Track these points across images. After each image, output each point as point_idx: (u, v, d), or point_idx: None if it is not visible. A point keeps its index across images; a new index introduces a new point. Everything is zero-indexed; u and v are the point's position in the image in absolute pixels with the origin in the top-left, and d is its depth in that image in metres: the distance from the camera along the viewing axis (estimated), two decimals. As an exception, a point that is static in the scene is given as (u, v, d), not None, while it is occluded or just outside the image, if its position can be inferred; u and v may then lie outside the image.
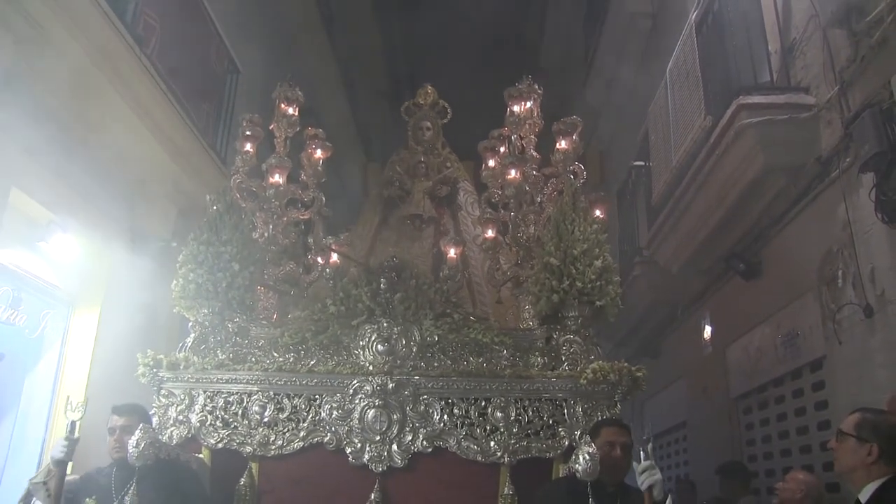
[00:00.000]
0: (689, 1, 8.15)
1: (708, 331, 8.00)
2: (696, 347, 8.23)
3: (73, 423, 3.54)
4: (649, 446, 3.53)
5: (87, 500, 3.62)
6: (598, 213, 4.93)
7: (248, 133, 5.46)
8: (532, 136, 5.60)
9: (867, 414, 3.08)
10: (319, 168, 5.74)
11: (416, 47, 17.05)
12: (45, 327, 5.65)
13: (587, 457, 3.47)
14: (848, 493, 3.56)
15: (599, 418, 4.16)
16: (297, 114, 5.71)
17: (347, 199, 12.94)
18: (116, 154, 6.00)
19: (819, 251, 5.51)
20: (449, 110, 6.83)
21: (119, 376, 5.94)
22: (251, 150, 5.45)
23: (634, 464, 3.51)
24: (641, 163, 9.15)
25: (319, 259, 5.49)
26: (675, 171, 7.19)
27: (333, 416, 4.30)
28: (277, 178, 5.34)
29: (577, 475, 3.48)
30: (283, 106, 5.66)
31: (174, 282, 4.56)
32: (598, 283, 4.41)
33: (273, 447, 4.24)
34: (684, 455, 9.14)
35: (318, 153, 5.76)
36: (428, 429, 4.26)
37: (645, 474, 3.41)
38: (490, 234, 5.44)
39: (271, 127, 5.64)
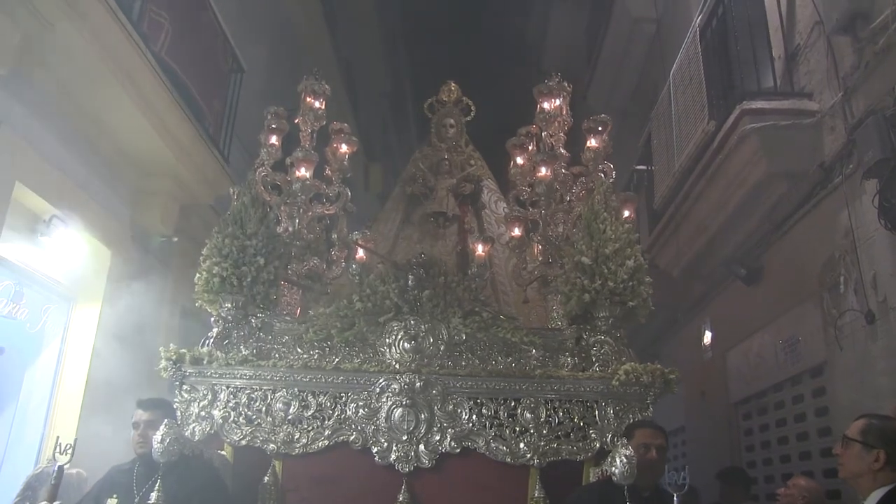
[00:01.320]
0: (694, 6, 8.17)
1: (708, 336, 8.00)
2: (695, 352, 8.23)
3: (60, 468, 3.47)
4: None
5: (109, 500, 3.59)
6: (626, 212, 4.90)
7: (273, 126, 5.39)
8: (561, 134, 5.57)
9: (873, 420, 3.08)
10: (345, 163, 5.71)
11: (416, 50, 17.07)
12: (45, 322, 5.63)
13: (624, 459, 3.37)
14: (849, 500, 3.56)
15: (631, 420, 4.11)
16: (323, 107, 5.65)
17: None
18: (119, 150, 6.00)
19: (821, 257, 5.52)
20: (472, 108, 6.82)
21: (119, 371, 5.97)
22: (276, 143, 5.40)
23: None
24: (643, 167, 9.16)
25: (342, 255, 5.45)
26: (678, 176, 7.20)
27: (359, 414, 4.25)
28: (304, 172, 5.27)
29: (614, 479, 3.38)
30: (309, 99, 5.61)
31: (197, 275, 4.51)
32: (631, 283, 4.35)
33: (297, 445, 4.19)
34: (683, 460, 9.13)
35: (344, 148, 5.73)
36: (456, 429, 4.21)
37: None
38: (517, 232, 5.39)
39: (297, 121, 5.60)
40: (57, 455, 3.52)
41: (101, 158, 5.90)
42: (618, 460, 3.38)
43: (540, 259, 5.27)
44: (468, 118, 6.87)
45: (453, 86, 6.91)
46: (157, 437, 3.50)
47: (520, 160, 5.80)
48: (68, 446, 3.52)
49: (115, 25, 5.03)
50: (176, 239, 6.63)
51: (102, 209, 5.96)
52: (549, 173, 5.20)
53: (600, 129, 5.34)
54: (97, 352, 5.87)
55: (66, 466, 3.53)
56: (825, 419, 5.56)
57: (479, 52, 14.56)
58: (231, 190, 4.97)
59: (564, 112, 5.62)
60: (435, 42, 15.52)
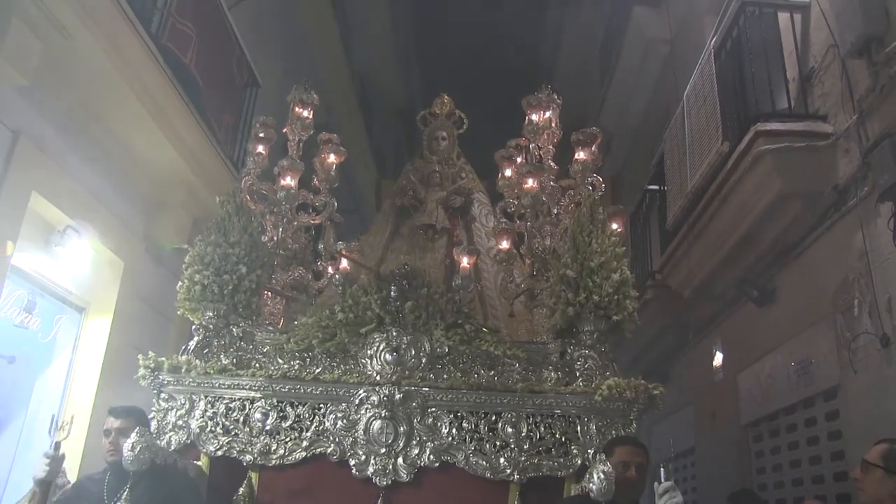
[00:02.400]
0: (708, 27, 8.19)
1: (719, 357, 7.95)
2: (706, 373, 8.18)
3: (57, 444, 3.43)
4: (671, 465, 3.44)
5: None
6: (614, 226, 4.84)
7: (260, 135, 5.41)
8: (550, 147, 5.53)
9: (895, 445, 3.05)
10: (332, 173, 5.68)
11: (431, 70, 17.16)
12: (57, 332, 5.65)
13: (602, 476, 3.30)
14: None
15: (613, 436, 4.04)
16: (311, 117, 5.66)
17: (360, 215, 13.01)
18: (134, 161, 6.04)
19: (834, 279, 5.49)
20: (465, 120, 6.80)
21: (129, 383, 5.97)
22: (263, 152, 5.40)
23: (655, 484, 3.40)
24: (655, 187, 9.16)
25: (329, 265, 5.43)
26: (690, 196, 7.19)
27: (338, 426, 4.19)
28: (289, 181, 5.26)
29: (591, 495, 3.32)
30: (297, 109, 5.62)
31: (179, 283, 4.50)
32: (616, 296, 4.27)
33: (274, 456, 4.14)
34: (692, 482, 9.06)
35: (332, 158, 5.71)
36: (435, 442, 4.14)
37: (666, 496, 3.31)
38: (505, 245, 5.33)
39: (284, 130, 5.60)
40: (53, 431, 3.50)
41: (116, 170, 5.94)
42: (595, 477, 3.32)
43: (526, 272, 5.23)
44: (461, 131, 6.84)
45: (446, 98, 6.88)
46: (128, 444, 3.44)
47: (508, 172, 5.79)
48: (65, 423, 3.50)
49: (134, 38, 5.08)
50: (186, 246, 6.63)
51: (116, 220, 6.00)
52: (535, 185, 5.16)
53: (589, 141, 5.30)
54: (107, 362, 5.88)
55: (62, 442, 3.49)
56: (838, 443, 5.51)
57: (492, 70, 14.61)
58: (217, 199, 4.94)
59: (554, 124, 5.59)
60: (448, 61, 15.59)
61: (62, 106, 5.21)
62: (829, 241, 5.65)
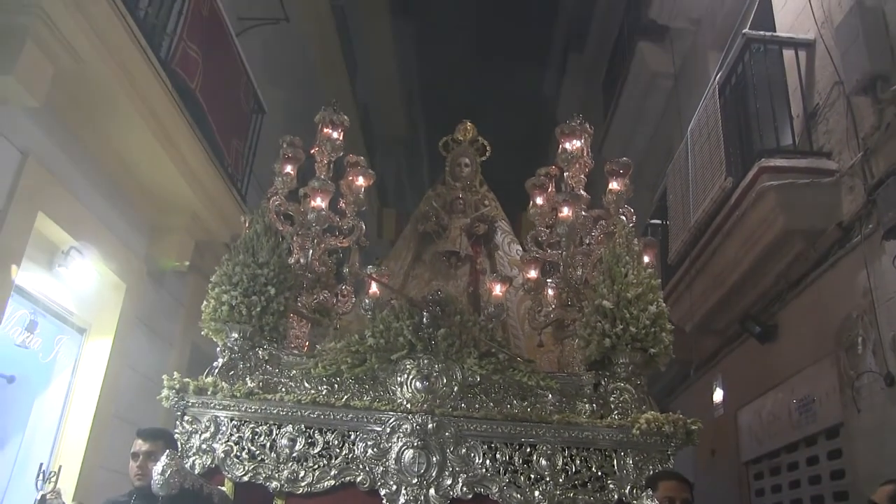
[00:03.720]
0: (712, 63, 8.27)
1: (719, 393, 7.91)
2: (706, 409, 8.13)
3: (43, 497, 3.35)
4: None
5: None
6: (646, 258, 4.80)
7: (289, 155, 5.34)
8: (582, 176, 5.47)
9: None
10: (361, 196, 5.64)
11: (433, 99, 17.29)
12: (58, 352, 5.62)
13: None
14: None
15: (651, 472, 3.99)
16: (341, 138, 5.61)
17: (365, 242, 13.02)
18: (140, 185, 6.05)
19: (838, 317, 5.48)
20: (488, 148, 6.78)
21: (127, 406, 5.95)
22: (292, 172, 5.33)
23: None
24: (658, 221, 9.17)
25: (352, 290, 5.37)
26: (693, 231, 7.20)
27: (368, 454, 4.11)
28: (319, 202, 5.15)
29: None
30: (326, 130, 5.57)
31: (204, 303, 4.42)
32: (653, 329, 4.22)
33: (302, 484, 4.05)
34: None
35: (360, 180, 5.67)
36: (469, 474, 4.06)
37: None
38: (533, 274, 5.27)
39: (313, 151, 5.55)
40: (40, 483, 3.41)
41: (121, 192, 5.96)
42: None
43: (555, 302, 5.16)
44: (483, 158, 6.83)
45: (469, 125, 6.88)
46: (158, 468, 3.34)
47: (539, 200, 5.68)
48: (52, 474, 3.42)
49: (143, 63, 5.12)
50: (188, 263, 6.62)
51: (120, 242, 6.00)
52: (570, 214, 5.10)
53: (622, 171, 5.28)
54: (107, 384, 5.85)
55: (48, 496, 3.40)
56: (841, 482, 5.46)
57: (495, 104, 14.71)
58: (242, 218, 4.91)
59: (585, 154, 5.54)
60: (451, 93, 15.72)
61: (71, 128, 5.23)
62: (832, 279, 5.65)
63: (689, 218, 7.28)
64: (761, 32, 6.60)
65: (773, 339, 6.57)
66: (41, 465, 3.55)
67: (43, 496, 3.37)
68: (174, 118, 5.66)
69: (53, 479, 3.41)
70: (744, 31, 6.70)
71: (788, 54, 6.35)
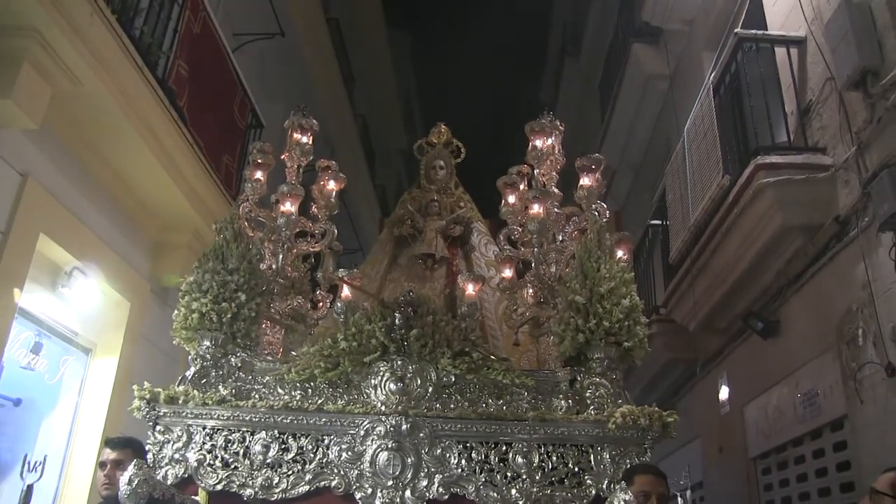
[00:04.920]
0: (706, 63, 8.32)
1: (725, 390, 7.93)
2: (712, 407, 8.15)
3: (29, 487, 3.32)
4: (688, 493, 3.38)
5: None
6: (620, 253, 4.77)
7: (259, 161, 5.28)
8: (553, 174, 5.41)
9: None
10: (333, 200, 5.59)
11: (432, 108, 17.36)
12: (63, 373, 5.66)
13: None
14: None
15: (628, 466, 3.94)
16: (310, 142, 5.54)
17: (364, 253, 13.07)
18: (141, 204, 6.11)
19: (838, 310, 5.50)
20: (462, 149, 6.73)
21: (135, 424, 5.96)
22: (262, 178, 5.27)
23: None
24: (658, 221, 9.20)
25: (327, 295, 5.32)
26: (693, 230, 7.23)
27: (343, 458, 4.05)
28: (289, 207, 5.08)
29: None
30: (296, 135, 5.51)
31: (175, 312, 4.39)
32: (626, 322, 4.20)
33: (276, 490, 3.97)
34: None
35: (332, 185, 5.62)
36: (444, 474, 4.00)
37: None
38: (507, 273, 5.22)
39: (283, 156, 5.50)
40: (26, 473, 3.39)
41: (122, 212, 6.01)
42: None
43: (531, 300, 5.12)
44: (458, 160, 6.79)
45: (443, 128, 6.83)
46: (125, 478, 3.24)
47: (511, 199, 5.63)
48: (38, 464, 3.40)
49: (141, 83, 5.17)
50: (192, 279, 6.63)
51: (122, 261, 6.04)
52: (541, 211, 5.02)
53: (593, 167, 5.18)
54: (113, 403, 5.88)
55: (34, 485, 3.36)
56: (847, 474, 5.47)
57: (493, 109, 14.78)
58: (213, 225, 4.84)
59: (557, 151, 5.48)
60: (449, 100, 15.79)
61: (70, 149, 5.28)
62: (831, 273, 5.68)
63: (689, 217, 7.31)
64: (753, 31, 6.65)
65: (775, 334, 6.60)
66: (25, 455, 3.49)
67: (29, 486, 3.34)
68: (173, 136, 5.71)
69: (39, 468, 3.38)
70: (736, 30, 6.75)
71: (780, 52, 6.39)
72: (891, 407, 4.81)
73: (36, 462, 3.40)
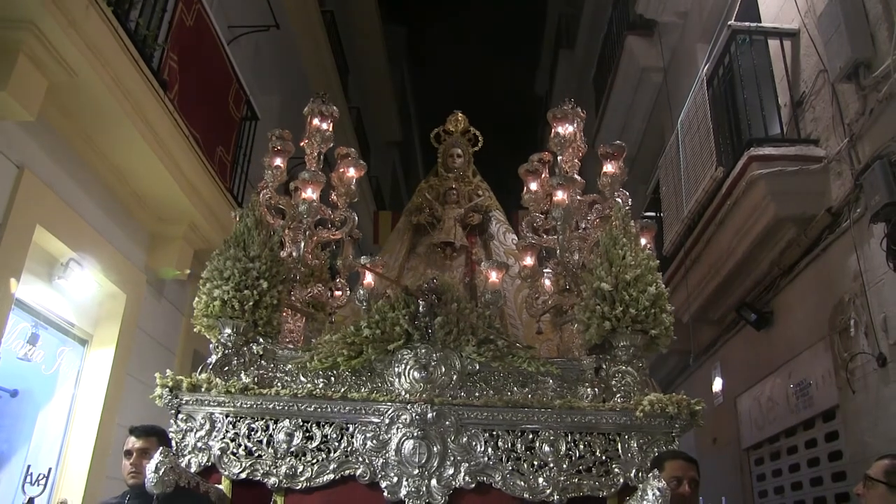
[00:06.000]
0: (700, 55, 8.34)
1: (718, 381, 7.98)
2: (706, 398, 8.15)
3: (31, 500, 3.28)
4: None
5: None
6: (644, 240, 4.73)
7: (278, 147, 5.24)
8: (576, 161, 5.36)
9: None
10: (352, 187, 5.58)
11: (426, 100, 17.36)
12: (60, 364, 5.67)
13: (657, 493, 3.08)
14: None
15: (656, 454, 3.92)
16: (331, 129, 5.52)
17: (358, 245, 13.10)
18: (137, 195, 6.11)
19: (830, 301, 5.55)
20: (480, 137, 6.72)
21: (131, 415, 5.99)
22: (282, 164, 5.25)
23: None
24: (652, 213, 9.23)
25: (347, 283, 5.29)
26: (687, 222, 7.27)
27: (367, 446, 4.02)
28: (310, 193, 5.04)
29: None
30: (315, 122, 5.48)
31: (196, 299, 4.36)
32: (653, 310, 4.17)
33: (301, 479, 3.96)
34: (695, 508, 9.02)
35: (351, 172, 5.59)
36: (471, 462, 3.98)
37: None
38: (529, 261, 5.15)
39: (302, 143, 5.48)
40: (27, 486, 3.35)
41: (118, 203, 6.00)
42: (650, 493, 3.10)
43: (553, 288, 5.09)
44: (476, 149, 6.78)
45: (460, 116, 6.82)
46: (152, 465, 3.23)
47: (533, 186, 5.55)
48: (41, 476, 3.37)
49: (136, 74, 5.17)
50: (189, 271, 6.65)
51: (119, 253, 6.04)
52: (565, 198, 4.99)
53: (616, 154, 5.19)
54: (110, 394, 5.89)
55: (35, 499, 3.33)
56: (839, 464, 5.53)
57: (487, 102, 14.79)
58: (232, 213, 4.83)
59: (578, 138, 5.44)
60: (443, 93, 15.79)
61: (67, 141, 5.28)
62: (824, 263, 5.72)
63: (683, 209, 7.35)
64: (746, 24, 6.68)
65: (768, 325, 6.65)
66: (28, 466, 3.47)
67: (31, 499, 3.31)
68: (168, 128, 5.71)
69: (43, 481, 3.36)
70: (729, 22, 6.78)
71: (774, 44, 6.43)
72: (882, 397, 4.86)
73: (39, 475, 3.38)
